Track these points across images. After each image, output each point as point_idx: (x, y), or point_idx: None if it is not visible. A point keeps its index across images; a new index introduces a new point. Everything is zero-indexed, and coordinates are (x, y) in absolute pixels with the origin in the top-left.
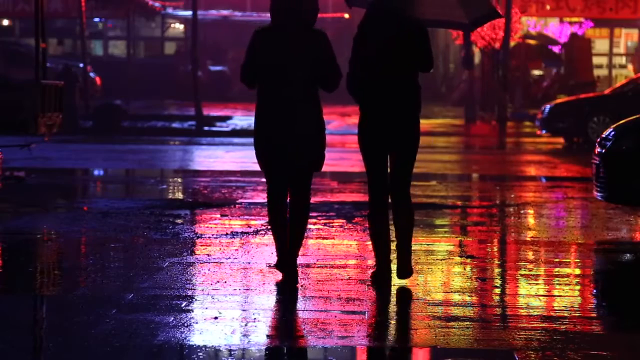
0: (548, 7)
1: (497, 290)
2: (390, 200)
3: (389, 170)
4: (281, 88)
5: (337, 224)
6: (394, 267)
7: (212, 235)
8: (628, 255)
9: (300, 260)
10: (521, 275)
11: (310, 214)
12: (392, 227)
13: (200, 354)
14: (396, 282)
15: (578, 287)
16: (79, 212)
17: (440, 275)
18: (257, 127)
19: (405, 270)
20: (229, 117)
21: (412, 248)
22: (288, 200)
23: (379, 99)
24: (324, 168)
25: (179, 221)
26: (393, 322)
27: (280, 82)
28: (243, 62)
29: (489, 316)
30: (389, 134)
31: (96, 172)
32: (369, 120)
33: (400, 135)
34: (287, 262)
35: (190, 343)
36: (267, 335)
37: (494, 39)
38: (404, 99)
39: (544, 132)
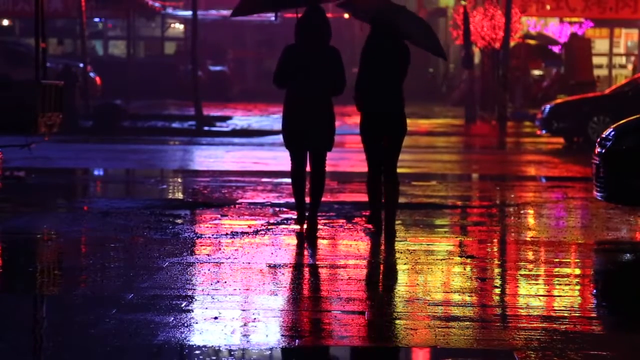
0: (548, 7)
1: (497, 290)
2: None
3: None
4: (304, 89)
5: (337, 224)
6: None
7: (212, 235)
8: (628, 255)
9: (300, 260)
10: (521, 275)
11: None
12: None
13: (200, 354)
14: (395, 280)
15: (578, 287)
16: (79, 212)
17: (440, 275)
18: (285, 117)
19: (391, 232)
20: (228, 117)
21: (412, 248)
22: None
23: (376, 97)
24: None
25: (179, 221)
26: (393, 322)
27: (303, 84)
28: (276, 70)
29: (489, 316)
30: (382, 122)
31: (96, 172)
32: (368, 113)
33: (390, 123)
34: (306, 217)
35: (190, 343)
36: (267, 335)
37: (494, 39)
38: (393, 98)
39: (544, 132)
